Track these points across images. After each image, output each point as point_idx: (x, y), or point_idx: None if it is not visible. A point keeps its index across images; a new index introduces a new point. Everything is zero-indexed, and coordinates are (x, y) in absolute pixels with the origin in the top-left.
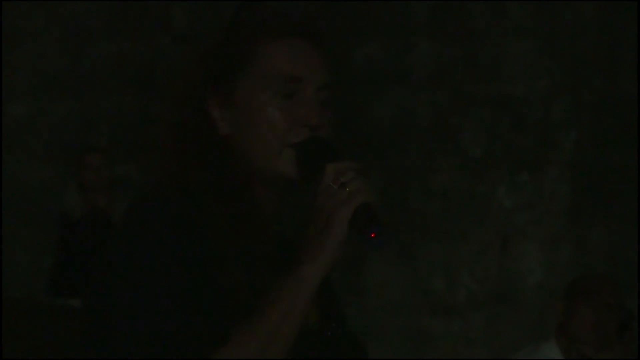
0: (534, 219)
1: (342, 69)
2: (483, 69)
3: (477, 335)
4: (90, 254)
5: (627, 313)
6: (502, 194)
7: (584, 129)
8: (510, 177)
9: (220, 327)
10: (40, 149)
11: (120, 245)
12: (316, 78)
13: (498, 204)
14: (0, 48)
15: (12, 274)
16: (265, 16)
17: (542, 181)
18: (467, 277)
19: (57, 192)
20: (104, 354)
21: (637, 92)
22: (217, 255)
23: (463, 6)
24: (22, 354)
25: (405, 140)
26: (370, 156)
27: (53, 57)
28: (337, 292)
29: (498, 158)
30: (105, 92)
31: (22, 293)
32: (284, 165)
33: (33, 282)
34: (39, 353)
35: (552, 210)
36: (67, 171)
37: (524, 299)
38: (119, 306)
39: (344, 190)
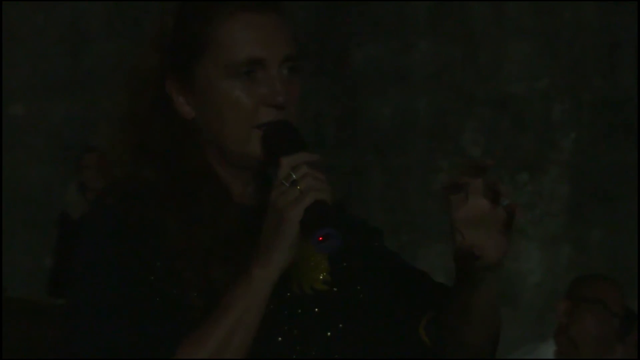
0: (534, 218)
1: (342, 69)
2: (483, 69)
3: None
4: None
5: (629, 316)
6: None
7: (584, 129)
8: (510, 177)
9: (171, 333)
10: (40, 149)
11: (76, 250)
12: (278, 53)
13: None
14: (1, 48)
15: (12, 274)
16: None
17: (542, 181)
18: None
19: (57, 192)
20: (64, 353)
21: (637, 92)
22: (168, 258)
23: (463, 6)
24: (22, 354)
25: (405, 140)
26: (370, 156)
27: (53, 57)
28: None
29: (498, 158)
30: (105, 92)
31: (22, 293)
32: (251, 146)
33: (33, 282)
34: (39, 353)
35: (552, 210)
36: (67, 171)
37: (524, 299)
38: (74, 311)
39: (295, 188)
